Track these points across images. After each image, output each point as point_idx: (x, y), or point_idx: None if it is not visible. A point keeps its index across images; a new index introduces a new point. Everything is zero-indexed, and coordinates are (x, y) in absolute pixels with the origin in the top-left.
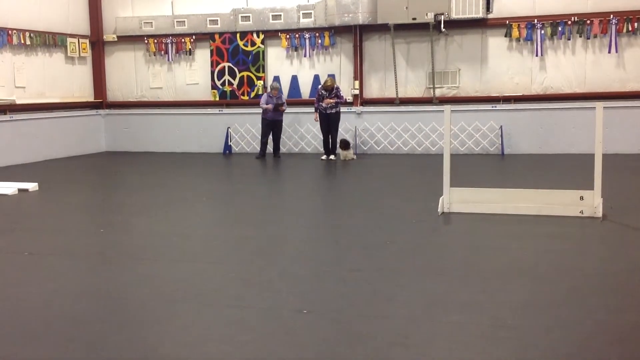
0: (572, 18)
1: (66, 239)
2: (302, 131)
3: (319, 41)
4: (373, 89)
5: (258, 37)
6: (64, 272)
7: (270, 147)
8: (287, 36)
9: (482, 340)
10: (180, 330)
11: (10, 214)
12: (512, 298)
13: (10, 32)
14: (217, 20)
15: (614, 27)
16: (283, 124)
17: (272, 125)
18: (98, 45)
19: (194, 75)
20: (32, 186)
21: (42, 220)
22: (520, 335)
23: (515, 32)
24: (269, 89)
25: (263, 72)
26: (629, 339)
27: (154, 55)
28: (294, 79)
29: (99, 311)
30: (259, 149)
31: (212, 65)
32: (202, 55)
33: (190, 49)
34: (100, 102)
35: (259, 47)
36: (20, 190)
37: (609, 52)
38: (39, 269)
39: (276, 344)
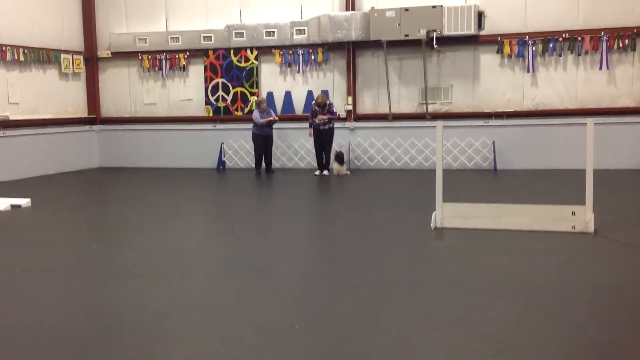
0: (563, 35)
1: (58, 255)
2: (295, 146)
3: (313, 57)
4: (366, 105)
5: (252, 53)
6: (55, 288)
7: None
8: (281, 52)
9: (473, 355)
10: (171, 346)
11: (3, 230)
12: (503, 313)
13: (4, 48)
14: (211, 36)
15: (604, 44)
16: (274, 138)
17: (265, 141)
18: (92, 61)
19: (187, 91)
20: (24, 202)
21: (35, 236)
22: (511, 350)
23: (506, 49)
24: (254, 105)
25: (257, 88)
26: (620, 354)
27: (148, 71)
28: (288, 95)
29: (90, 328)
30: (253, 164)
31: (205, 81)
32: (196, 71)
33: (184, 65)
34: (94, 118)
35: (252, 63)
36: (12, 206)
37: (600, 68)
38: (31, 285)
39: None
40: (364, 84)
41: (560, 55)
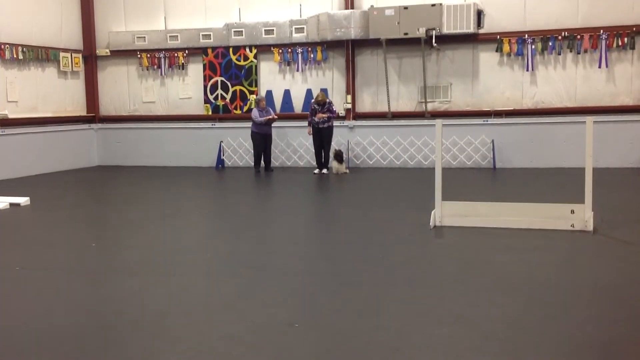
0: (563, 33)
1: (57, 254)
2: (294, 145)
3: (312, 56)
4: (365, 103)
5: (251, 51)
6: (54, 286)
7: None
8: (280, 51)
9: (473, 353)
10: (171, 344)
11: (2, 229)
12: (503, 311)
13: (2, 46)
14: (210, 34)
15: (604, 42)
16: (273, 137)
17: (264, 140)
18: (91, 59)
19: (186, 89)
20: (23, 200)
21: (34, 234)
22: (511, 348)
23: (506, 47)
24: (253, 104)
25: (256, 86)
26: (620, 352)
27: (147, 69)
28: (287, 93)
29: (90, 326)
30: (252, 163)
31: (204, 80)
32: (195, 70)
33: (183, 64)
34: (93, 116)
35: (251, 61)
36: (11, 204)
37: (599, 66)
38: (30, 284)
39: (267, 358)
40: (363, 83)
41: (559, 54)
